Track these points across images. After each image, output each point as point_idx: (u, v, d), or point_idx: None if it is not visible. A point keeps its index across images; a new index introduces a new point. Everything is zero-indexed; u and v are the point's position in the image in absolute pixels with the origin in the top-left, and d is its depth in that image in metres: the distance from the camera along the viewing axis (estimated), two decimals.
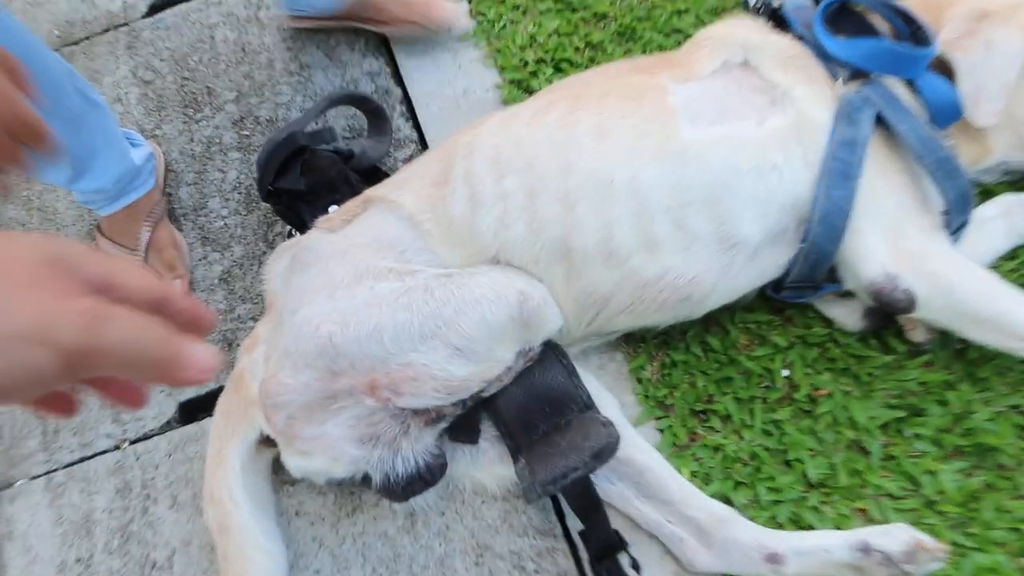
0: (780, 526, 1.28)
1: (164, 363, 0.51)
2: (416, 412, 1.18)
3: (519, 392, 1.25)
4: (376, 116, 1.64)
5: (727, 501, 1.30)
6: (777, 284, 1.35)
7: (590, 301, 1.28)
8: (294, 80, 1.83)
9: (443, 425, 1.23)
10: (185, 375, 0.52)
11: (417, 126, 1.72)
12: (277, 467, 1.35)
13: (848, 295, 1.37)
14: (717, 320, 1.43)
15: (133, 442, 1.50)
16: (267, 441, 1.28)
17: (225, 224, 1.68)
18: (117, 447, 1.50)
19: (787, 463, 1.33)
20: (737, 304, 1.38)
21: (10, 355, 0.45)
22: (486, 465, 1.32)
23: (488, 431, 1.31)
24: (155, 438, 1.50)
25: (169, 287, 0.55)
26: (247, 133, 1.78)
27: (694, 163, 1.22)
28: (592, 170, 1.23)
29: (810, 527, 1.26)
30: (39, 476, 1.50)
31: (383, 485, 1.20)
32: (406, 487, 1.20)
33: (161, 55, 1.92)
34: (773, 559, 1.19)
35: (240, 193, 1.71)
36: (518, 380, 1.26)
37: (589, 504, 1.19)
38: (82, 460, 1.50)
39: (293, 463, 1.25)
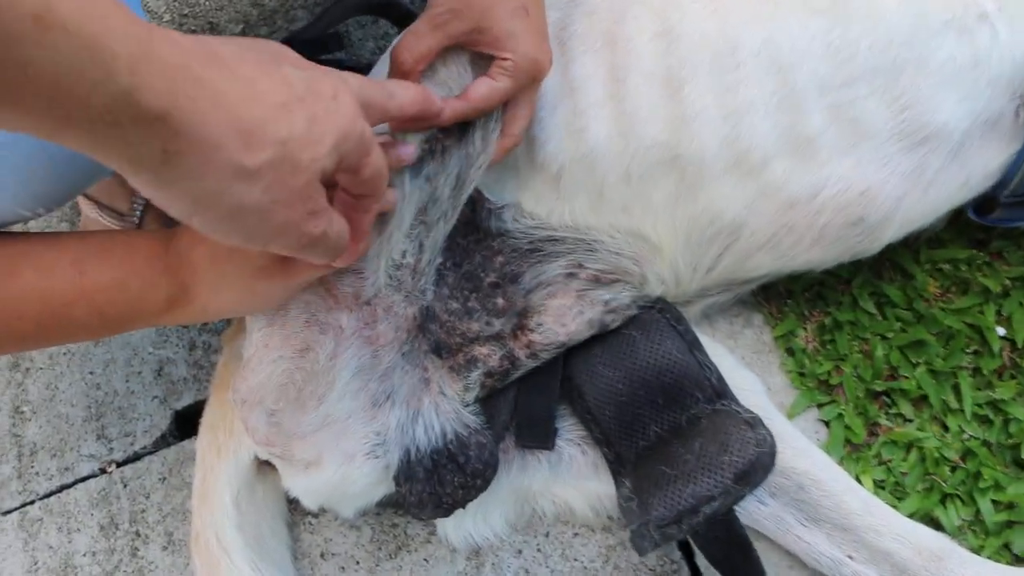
0: (1019, 559, 0.86)
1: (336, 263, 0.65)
2: (434, 347, 0.85)
3: (615, 375, 0.87)
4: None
5: (933, 523, 0.89)
6: (984, 202, 0.93)
7: (711, 232, 0.88)
8: (311, 2, 1.47)
9: (476, 375, 0.86)
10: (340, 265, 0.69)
11: None
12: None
13: None
14: (893, 260, 1.00)
15: (120, 464, 1.17)
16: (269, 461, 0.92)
17: None
18: (103, 470, 1.17)
19: (1019, 463, 0.91)
20: (921, 235, 0.96)
21: (255, 237, 0.54)
22: (574, 479, 0.93)
23: (574, 431, 0.93)
24: (146, 458, 1.16)
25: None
26: None
27: (860, 17, 0.82)
28: (703, 35, 0.83)
29: None
30: (12, 511, 1.18)
31: (403, 472, 0.82)
32: (431, 473, 0.81)
33: None
34: None
35: None
36: (612, 358, 0.87)
37: (734, 548, 0.79)
38: (61, 489, 1.18)
39: (301, 487, 0.88)
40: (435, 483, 0.82)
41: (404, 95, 0.67)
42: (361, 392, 0.81)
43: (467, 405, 0.87)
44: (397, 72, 0.76)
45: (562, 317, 0.87)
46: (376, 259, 0.79)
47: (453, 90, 0.77)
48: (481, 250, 0.91)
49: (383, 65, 0.86)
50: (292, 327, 0.78)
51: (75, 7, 0.38)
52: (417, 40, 0.74)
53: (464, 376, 0.87)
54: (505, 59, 0.75)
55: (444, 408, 0.85)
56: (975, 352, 0.96)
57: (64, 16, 0.37)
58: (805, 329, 1.00)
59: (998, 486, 0.89)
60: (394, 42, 0.77)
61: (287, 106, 0.51)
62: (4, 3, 0.34)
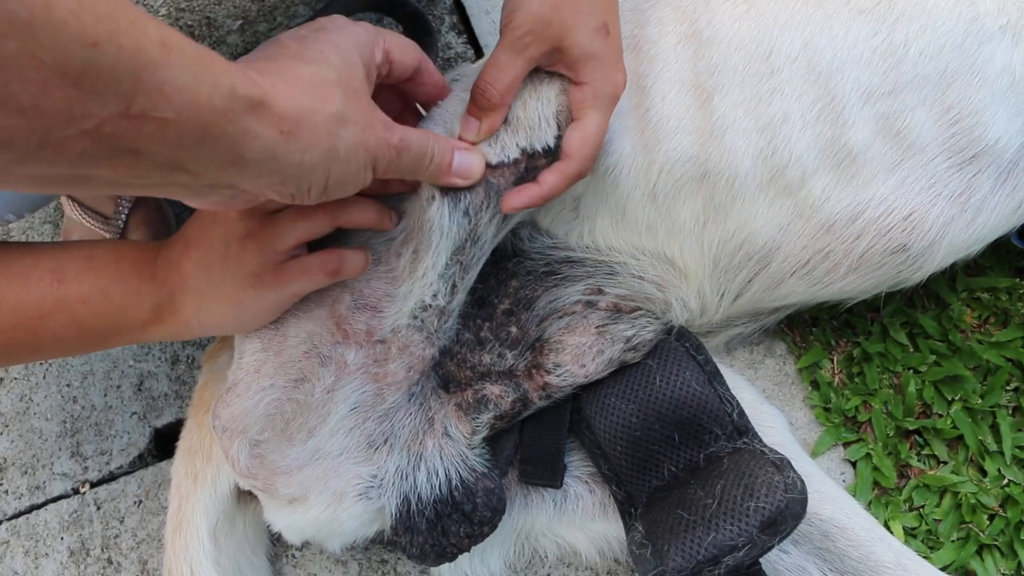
0: None
1: (439, 174, 0.67)
2: (442, 381, 0.78)
3: (628, 407, 0.80)
4: (415, 25, 1.19)
5: None
6: None
7: (741, 256, 0.81)
8: None
9: (486, 418, 0.79)
10: (449, 181, 0.69)
11: (472, 40, 1.29)
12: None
13: None
14: (927, 287, 0.93)
15: (94, 484, 1.10)
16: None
17: None
18: (76, 491, 1.10)
19: None
20: (958, 261, 0.89)
21: (356, 182, 0.58)
22: (580, 519, 0.86)
23: (581, 467, 0.86)
24: (122, 478, 1.09)
25: (425, 60, 0.69)
26: None
27: (908, 19, 0.75)
28: (735, 38, 0.76)
29: None
30: None
31: (402, 523, 0.75)
32: (435, 524, 0.74)
33: None
34: None
35: None
36: (625, 389, 0.80)
37: None
38: (31, 509, 1.11)
39: (284, 521, 0.81)
40: (438, 534, 0.75)
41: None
42: (356, 430, 0.74)
43: (473, 448, 0.80)
44: (485, 109, 0.71)
45: (581, 357, 0.80)
46: (403, 300, 0.72)
47: (532, 134, 0.72)
48: (495, 273, 0.85)
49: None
50: (289, 355, 0.71)
51: (181, 35, 0.45)
52: (501, 72, 0.70)
53: (473, 418, 0.80)
54: (583, 84, 0.71)
55: (449, 452, 0.78)
56: (1015, 389, 0.89)
57: (178, 40, 0.44)
58: (831, 360, 0.93)
59: None
60: (475, 66, 0.77)
61: (320, 51, 0.58)
62: (138, 36, 0.41)
